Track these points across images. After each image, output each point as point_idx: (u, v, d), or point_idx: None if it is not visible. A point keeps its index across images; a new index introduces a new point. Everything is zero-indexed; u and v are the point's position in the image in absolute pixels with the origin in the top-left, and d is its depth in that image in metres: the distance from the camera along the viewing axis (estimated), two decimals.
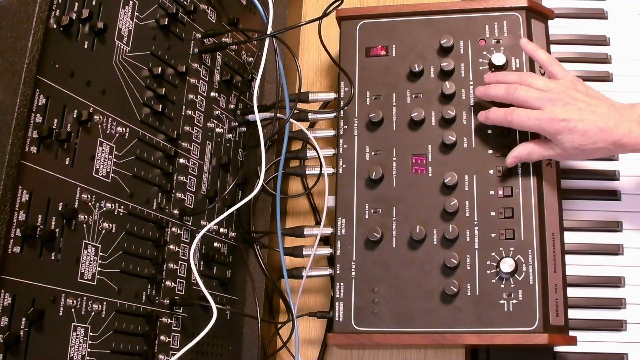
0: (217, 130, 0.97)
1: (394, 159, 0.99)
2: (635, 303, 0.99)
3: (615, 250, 1.02)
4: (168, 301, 0.84)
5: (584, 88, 0.92)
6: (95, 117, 0.75)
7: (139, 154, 0.81)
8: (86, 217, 0.73)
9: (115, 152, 0.78)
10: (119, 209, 0.78)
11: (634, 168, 1.05)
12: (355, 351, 1.04)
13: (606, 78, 1.10)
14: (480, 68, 1.01)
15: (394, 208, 0.97)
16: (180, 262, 0.87)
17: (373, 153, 1.00)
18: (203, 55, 0.95)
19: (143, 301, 0.80)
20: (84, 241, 0.72)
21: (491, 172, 0.96)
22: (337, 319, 0.94)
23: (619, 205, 1.04)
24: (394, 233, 0.96)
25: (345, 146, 1.01)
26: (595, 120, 0.88)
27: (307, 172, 1.02)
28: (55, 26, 0.70)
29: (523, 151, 0.93)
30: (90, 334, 0.72)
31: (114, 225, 0.76)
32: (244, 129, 1.04)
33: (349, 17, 1.07)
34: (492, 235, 0.94)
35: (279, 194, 0.97)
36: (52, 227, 0.68)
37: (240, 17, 1.03)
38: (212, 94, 0.97)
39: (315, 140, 0.99)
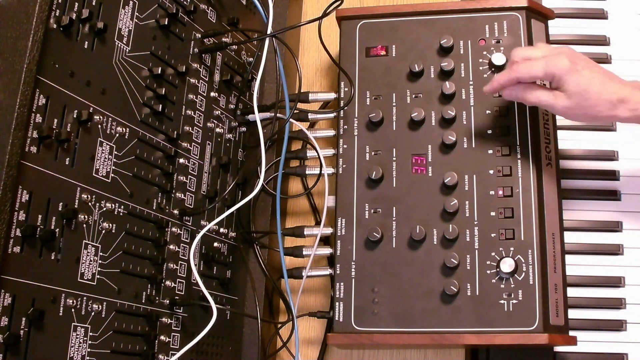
0: (217, 130, 0.97)
1: (394, 159, 0.99)
2: (635, 303, 0.99)
3: (615, 250, 1.02)
4: (168, 301, 0.84)
5: (584, 55, 0.91)
6: (95, 117, 0.75)
7: (139, 154, 0.81)
8: (86, 217, 0.73)
9: (115, 152, 0.78)
10: (119, 209, 0.78)
11: (634, 168, 1.05)
12: (355, 351, 1.04)
13: None
14: (480, 68, 1.01)
15: (394, 208, 0.97)
16: (180, 262, 0.87)
17: (373, 153, 1.00)
18: (203, 55, 0.95)
19: (143, 301, 0.80)
20: (84, 241, 0.72)
21: (491, 172, 0.96)
22: (337, 319, 0.94)
23: (619, 205, 1.04)
24: (394, 233, 0.96)
25: (345, 146, 1.01)
26: (601, 73, 0.87)
27: (307, 172, 1.02)
28: (55, 26, 0.70)
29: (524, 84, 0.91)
30: (90, 334, 0.72)
31: (114, 225, 0.76)
32: (244, 129, 1.04)
33: (349, 17, 1.07)
34: (492, 235, 0.94)
35: (279, 194, 0.97)
36: (52, 227, 0.68)
37: (240, 17, 1.03)
38: (212, 94, 0.97)
39: (315, 140, 0.99)
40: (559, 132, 1.01)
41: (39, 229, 0.66)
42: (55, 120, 0.70)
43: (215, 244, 0.95)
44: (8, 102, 0.64)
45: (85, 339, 0.71)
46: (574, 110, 0.88)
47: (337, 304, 0.95)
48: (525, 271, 0.92)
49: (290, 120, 0.98)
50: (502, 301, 0.91)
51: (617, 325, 0.98)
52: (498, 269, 0.92)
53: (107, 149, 0.76)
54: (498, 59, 1.00)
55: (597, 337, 0.98)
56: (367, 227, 0.96)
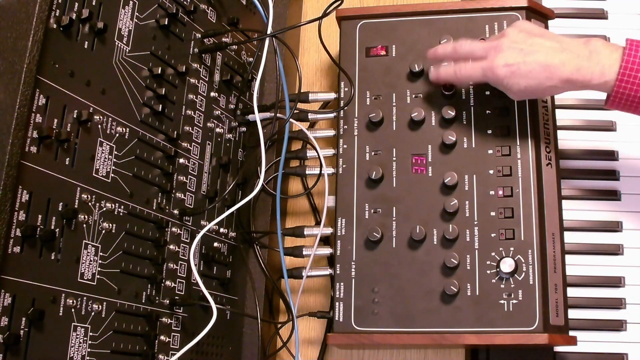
0: (217, 130, 0.97)
1: (394, 159, 0.99)
2: (635, 303, 0.99)
3: (615, 250, 1.02)
4: (168, 301, 0.84)
5: (528, 28, 0.91)
6: (95, 117, 0.75)
7: (139, 154, 0.81)
8: (86, 217, 0.73)
9: (115, 152, 0.78)
10: (119, 209, 0.78)
11: (634, 168, 1.05)
12: (355, 351, 1.04)
13: None
14: None
15: (394, 208, 0.97)
16: (180, 262, 0.87)
17: (373, 153, 1.00)
18: (203, 55, 0.95)
19: (143, 301, 0.80)
20: (84, 241, 0.72)
21: (491, 172, 0.96)
22: (337, 319, 0.94)
23: (619, 205, 1.04)
24: (394, 233, 0.96)
25: (345, 146, 1.01)
26: (538, 60, 0.87)
27: (307, 172, 1.02)
28: (55, 26, 0.70)
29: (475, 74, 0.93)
30: (90, 334, 0.72)
31: (114, 225, 0.76)
32: (244, 129, 1.04)
33: (349, 17, 1.07)
34: (492, 235, 0.94)
35: (279, 194, 0.97)
36: (52, 227, 0.68)
37: (240, 17, 1.03)
38: (212, 94, 0.97)
39: (315, 140, 0.99)
40: (559, 132, 1.01)
41: (39, 229, 0.66)
42: (55, 120, 0.70)
43: (215, 244, 0.96)
44: (8, 102, 0.64)
45: (85, 339, 0.71)
46: (525, 97, 0.95)
47: (337, 304, 0.95)
48: (525, 271, 0.92)
49: (290, 120, 0.98)
50: (502, 301, 0.91)
51: (617, 325, 0.98)
52: (498, 269, 0.92)
53: (107, 149, 0.76)
54: None
55: (597, 337, 0.98)
56: (367, 227, 0.96)
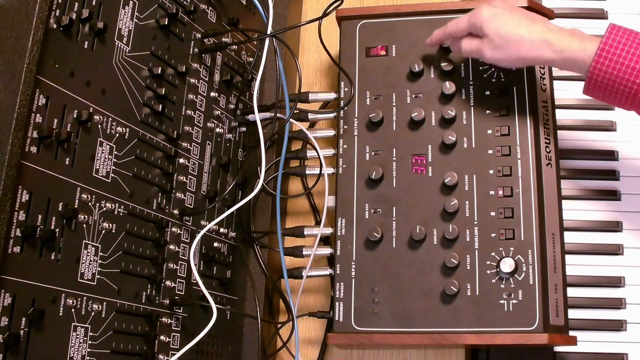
0: (217, 130, 0.97)
1: (394, 159, 0.99)
2: (635, 303, 0.99)
3: (615, 250, 1.02)
4: (168, 301, 0.84)
5: (510, 5, 0.95)
6: (95, 117, 0.75)
7: (139, 154, 0.81)
8: (86, 217, 0.73)
9: (115, 152, 0.78)
10: (119, 209, 0.78)
11: (634, 168, 1.05)
12: (355, 351, 1.04)
13: None
14: (480, 68, 1.01)
15: (394, 208, 0.97)
16: (180, 262, 0.87)
17: (373, 153, 1.00)
18: (203, 55, 0.95)
19: (143, 301, 0.80)
20: (84, 241, 0.72)
21: (491, 172, 0.96)
22: (337, 319, 0.94)
23: (619, 205, 1.04)
24: (394, 233, 0.96)
25: (345, 146, 1.01)
26: (521, 17, 0.90)
27: (307, 172, 1.02)
28: (55, 26, 0.70)
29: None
30: (90, 334, 0.72)
31: (114, 225, 0.76)
32: (244, 129, 1.04)
33: (349, 17, 1.07)
34: (492, 235, 0.94)
35: (279, 194, 0.97)
36: (52, 227, 0.68)
37: (240, 17, 1.03)
38: (212, 94, 0.97)
39: (315, 140, 0.99)
40: (559, 132, 1.01)
41: (39, 229, 0.66)
42: (55, 120, 0.70)
43: (215, 244, 0.96)
44: (8, 102, 0.64)
45: (85, 339, 0.71)
46: (500, 53, 0.92)
47: (337, 304, 0.95)
48: (525, 271, 0.92)
49: (290, 120, 0.98)
50: (502, 301, 0.91)
51: (617, 325, 0.98)
52: (498, 269, 0.92)
53: (107, 149, 0.76)
54: None
55: (597, 337, 0.98)
56: (367, 227, 0.96)
